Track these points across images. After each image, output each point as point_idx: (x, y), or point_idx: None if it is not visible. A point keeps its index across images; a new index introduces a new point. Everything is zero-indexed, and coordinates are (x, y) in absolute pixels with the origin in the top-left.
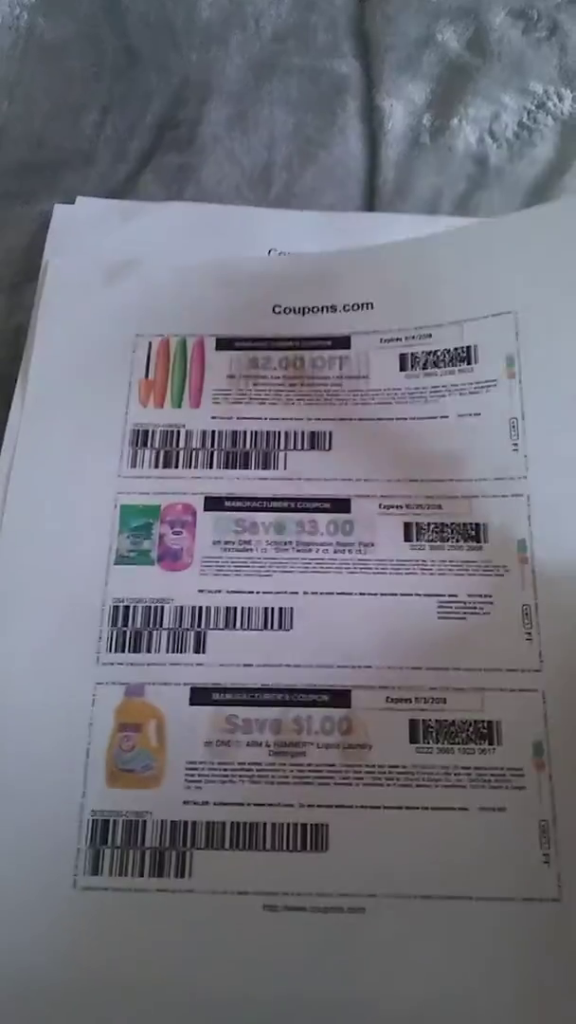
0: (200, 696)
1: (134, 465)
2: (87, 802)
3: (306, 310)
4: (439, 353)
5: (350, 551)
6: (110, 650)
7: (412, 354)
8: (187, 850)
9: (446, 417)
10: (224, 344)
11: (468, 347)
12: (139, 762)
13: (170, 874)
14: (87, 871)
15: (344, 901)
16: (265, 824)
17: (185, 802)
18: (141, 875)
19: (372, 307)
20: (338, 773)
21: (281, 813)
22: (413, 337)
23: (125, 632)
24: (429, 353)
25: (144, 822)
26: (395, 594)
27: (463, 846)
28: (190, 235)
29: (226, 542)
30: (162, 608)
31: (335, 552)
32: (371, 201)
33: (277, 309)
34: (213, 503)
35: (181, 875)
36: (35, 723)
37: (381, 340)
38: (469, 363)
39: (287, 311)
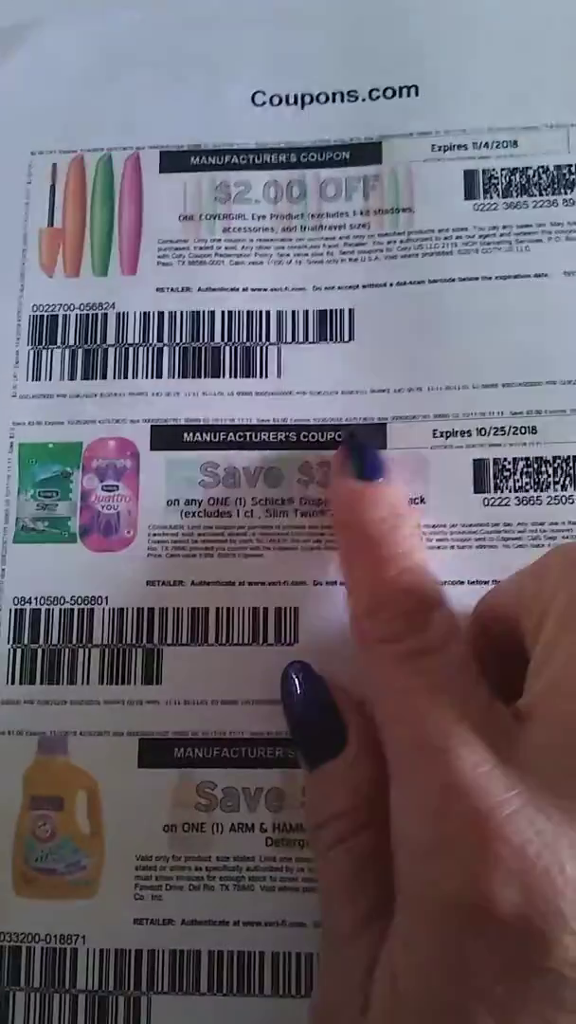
0: (154, 752)
1: (36, 376)
2: None
3: (308, 99)
4: (531, 172)
5: None
6: (11, 680)
7: (485, 171)
8: (142, 994)
9: (543, 276)
10: (174, 161)
11: None
12: (63, 858)
13: None
14: None
15: None
16: (263, 955)
17: (137, 920)
18: None
19: (416, 93)
20: None
21: (286, 937)
22: (485, 144)
23: (35, 652)
24: (513, 171)
25: (74, 951)
26: (461, 582)
27: None
28: None
29: (188, 502)
30: (91, 612)
31: None
32: None
33: (260, 97)
34: (165, 436)
35: None
36: None
37: (433, 147)
38: None
39: (276, 100)
